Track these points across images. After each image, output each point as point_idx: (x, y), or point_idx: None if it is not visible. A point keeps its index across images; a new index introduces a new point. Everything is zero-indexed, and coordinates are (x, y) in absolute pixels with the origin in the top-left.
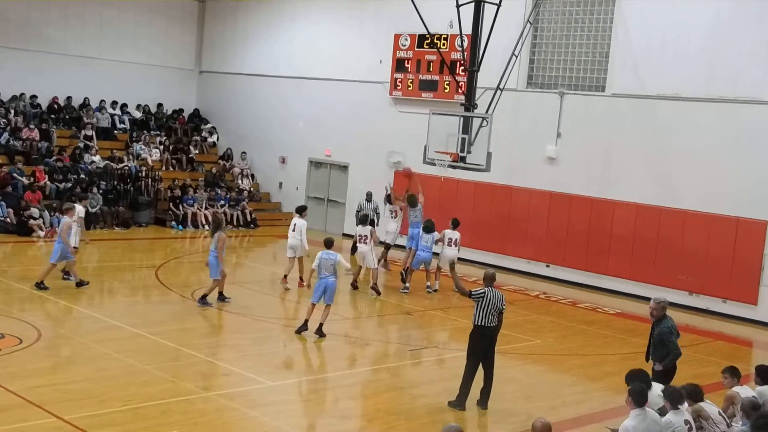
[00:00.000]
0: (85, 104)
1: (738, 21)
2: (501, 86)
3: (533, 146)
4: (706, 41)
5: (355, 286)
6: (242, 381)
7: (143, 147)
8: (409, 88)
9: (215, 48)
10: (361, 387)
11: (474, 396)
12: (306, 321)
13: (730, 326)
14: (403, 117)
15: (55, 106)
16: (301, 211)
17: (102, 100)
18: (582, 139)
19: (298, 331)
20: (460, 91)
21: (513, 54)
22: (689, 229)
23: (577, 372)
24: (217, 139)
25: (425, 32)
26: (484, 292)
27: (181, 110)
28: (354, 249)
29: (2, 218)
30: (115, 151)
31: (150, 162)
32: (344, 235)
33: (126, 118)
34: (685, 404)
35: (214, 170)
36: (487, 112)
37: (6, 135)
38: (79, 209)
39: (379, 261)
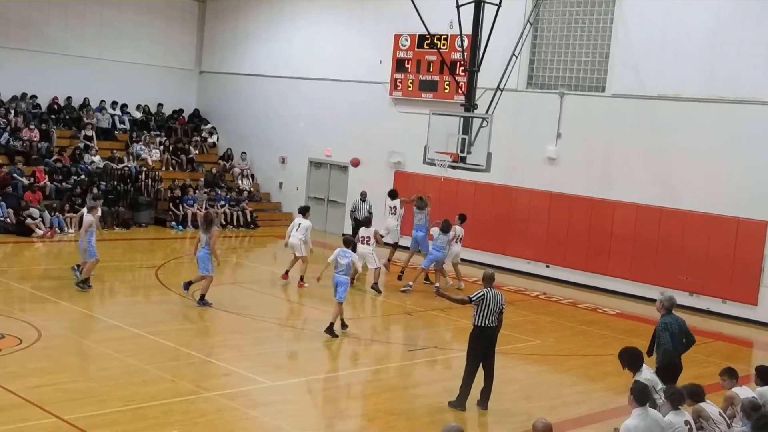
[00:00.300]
0: (85, 104)
1: (738, 21)
2: (501, 86)
3: (533, 146)
4: (706, 41)
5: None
6: (243, 381)
7: (143, 147)
8: (409, 89)
9: (215, 48)
10: (361, 387)
11: (474, 396)
12: (341, 320)
13: (730, 327)
14: (403, 117)
15: (55, 107)
16: (304, 211)
17: (102, 101)
18: (582, 140)
19: (342, 328)
20: (460, 91)
21: (513, 54)
22: (689, 230)
23: (577, 372)
24: (217, 139)
25: (425, 32)
26: (483, 294)
27: (181, 110)
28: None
29: (2, 218)
30: (115, 151)
31: (150, 162)
32: (344, 235)
33: (126, 118)
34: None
35: (214, 170)
36: (487, 112)
37: (6, 135)
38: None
39: (389, 260)
